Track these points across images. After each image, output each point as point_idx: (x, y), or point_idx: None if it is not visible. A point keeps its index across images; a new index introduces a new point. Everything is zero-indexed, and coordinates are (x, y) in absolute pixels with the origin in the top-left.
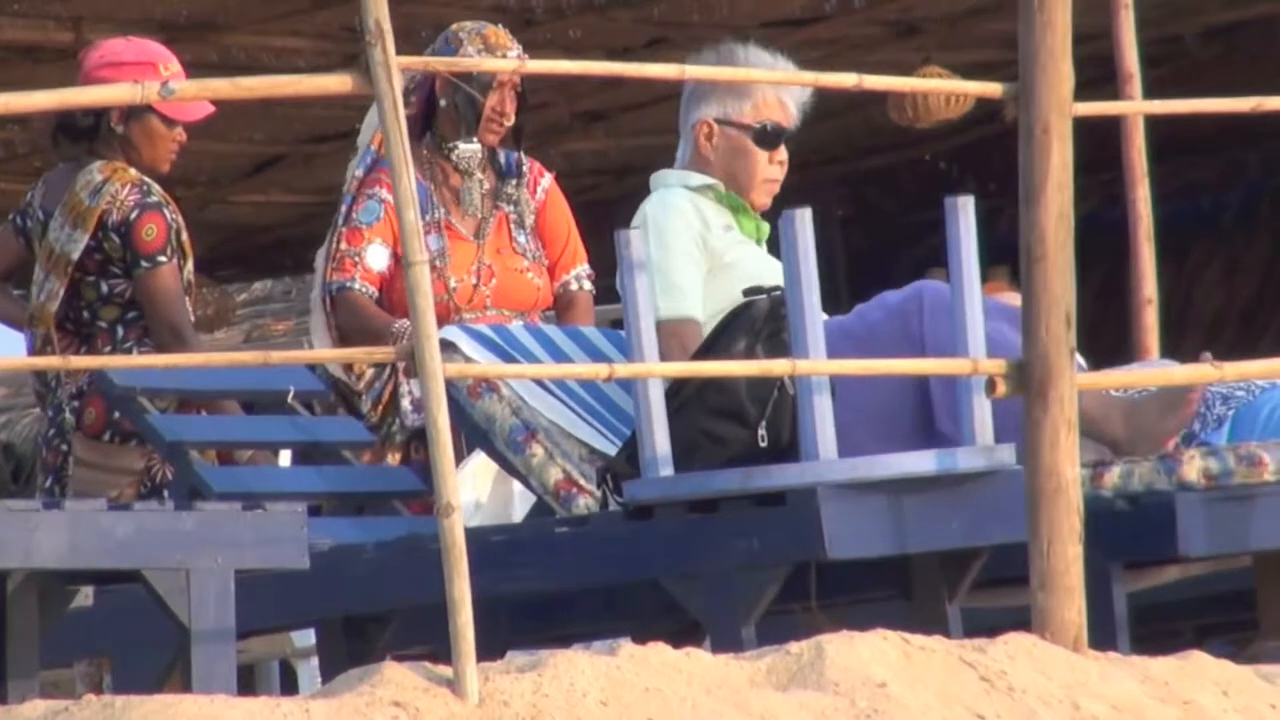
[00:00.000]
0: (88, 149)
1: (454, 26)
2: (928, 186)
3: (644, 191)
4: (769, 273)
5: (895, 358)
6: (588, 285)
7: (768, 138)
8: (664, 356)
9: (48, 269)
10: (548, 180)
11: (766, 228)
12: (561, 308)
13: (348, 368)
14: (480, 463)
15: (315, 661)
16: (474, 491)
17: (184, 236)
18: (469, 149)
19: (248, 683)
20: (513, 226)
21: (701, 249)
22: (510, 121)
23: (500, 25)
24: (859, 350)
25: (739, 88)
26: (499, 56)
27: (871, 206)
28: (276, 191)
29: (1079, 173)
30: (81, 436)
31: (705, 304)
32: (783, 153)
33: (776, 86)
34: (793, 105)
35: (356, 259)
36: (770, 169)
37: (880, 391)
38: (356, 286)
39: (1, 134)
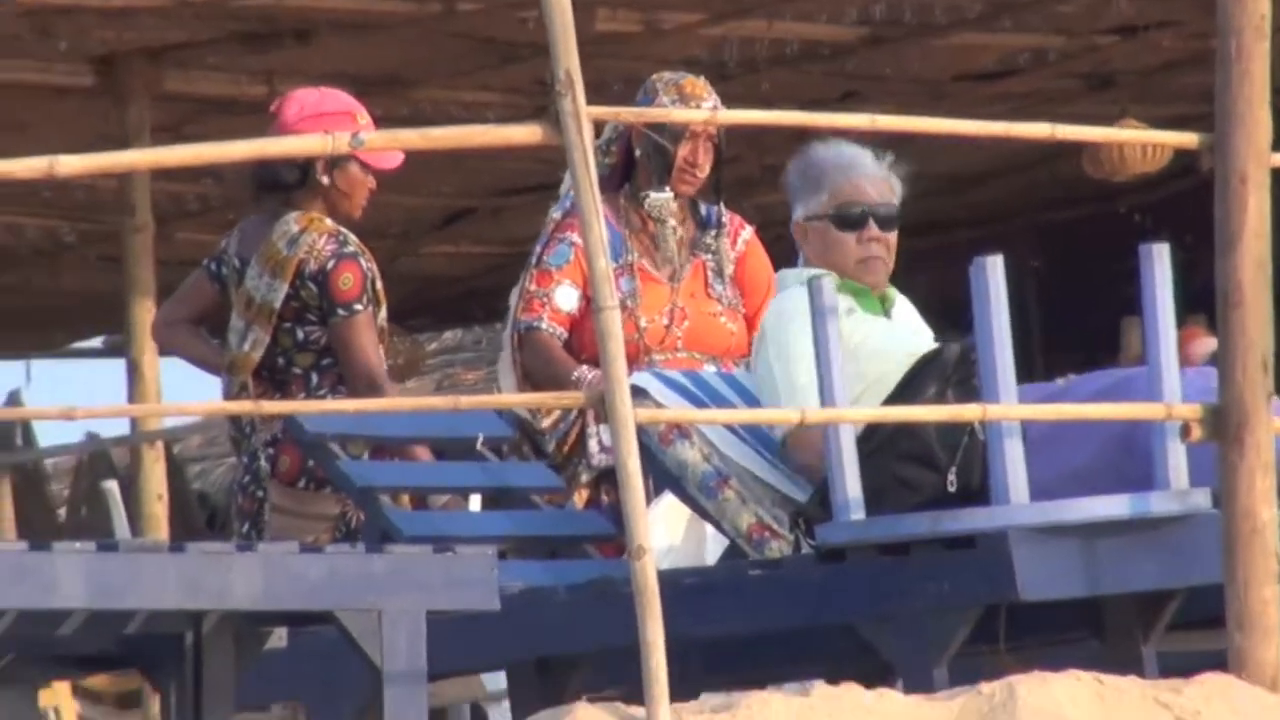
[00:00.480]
0: (284, 200)
1: (654, 77)
2: (1123, 239)
3: None
4: (896, 342)
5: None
6: None
7: (847, 220)
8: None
9: (248, 318)
10: (749, 232)
11: (894, 294)
12: None
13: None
14: (670, 505)
15: (507, 704)
16: (666, 535)
17: (378, 285)
18: (660, 197)
19: None
20: (710, 274)
21: None
22: (704, 173)
23: (700, 76)
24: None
25: (813, 183)
26: (693, 107)
27: (1066, 258)
28: (466, 243)
29: (1277, 225)
30: (277, 483)
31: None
32: (874, 229)
33: (850, 171)
34: (870, 185)
35: (545, 299)
36: (862, 248)
37: (1080, 455)
38: (544, 326)
39: (197, 187)
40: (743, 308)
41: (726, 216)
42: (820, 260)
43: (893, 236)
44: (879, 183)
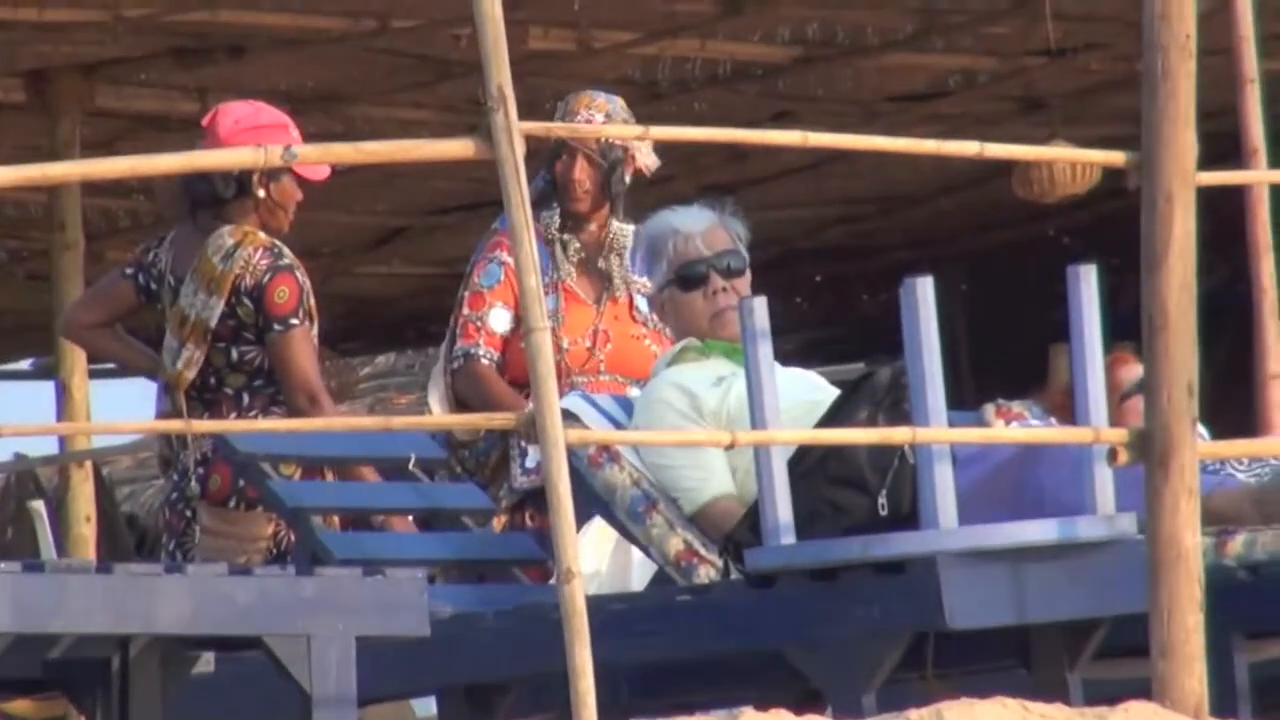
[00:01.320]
0: (215, 214)
1: (571, 95)
2: (1051, 262)
3: (773, 265)
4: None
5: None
6: None
7: (689, 279)
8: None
9: (182, 336)
10: None
11: None
12: None
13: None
14: (599, 530)
15: None
16: (594, 559)
17: (312, 301)
18: (546, 214)
19: None
20: (635, 295)
21: (699, 423)
22: (586, 190)
23: (599, 93)
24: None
25: (654, 255)
26: (579, 120)
27: (995, 281)
28: (399, 263)
29: (1205, 247)
30: (207, 504)
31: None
32: (718, 281)
33: (681, 231)
34: (704, 240)
35: (479, 324)
36: (709, 304)
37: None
38: (480, 353)
39: (128, 203)
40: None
41: (630, 227)
42: (679, 329)
43: (743, 283)
44: (715, 234)
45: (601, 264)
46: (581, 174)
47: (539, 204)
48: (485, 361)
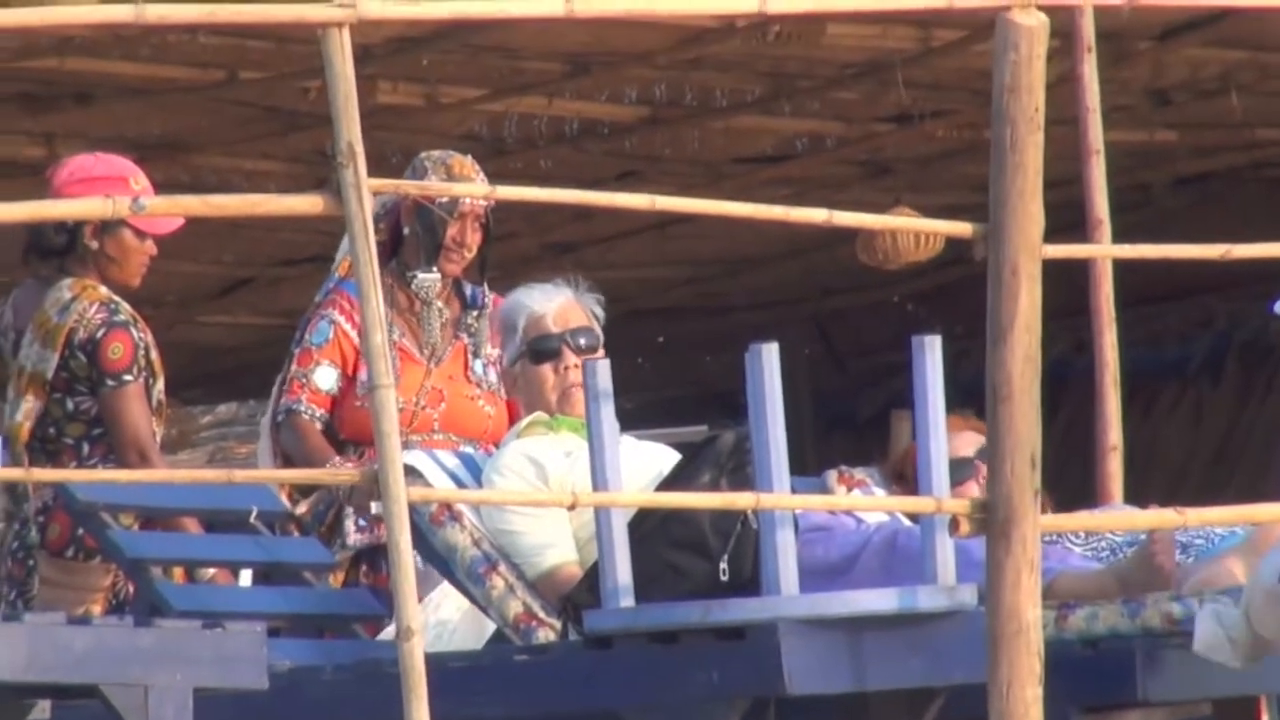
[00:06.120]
0: (58, 266)
1: (422, 155)
2: (895, 328)
3: (616, 324)
4: (638, 464)
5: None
6: None
7: (541, 353)
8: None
9: (20, 387)
10: None
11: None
12: None
13: (289, 493)
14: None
15: None
16: (452, 606)
17: (153, 355)
18: (428, 278)
19: None
20: (470, 356)
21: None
22: (471, 252)
23: (468, 155)
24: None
25: (510, 329)
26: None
27: (838, 347)
28: (244, 313)
29: (1047, 318)
30: (46, 554)
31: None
32: (570, 358)
33: (537, 307)
34: (558, 316)
35: (304, 380)
36: (560, 379)
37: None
38: (303, 409)
39: None
40: (503, 392)
41: (489, 297)
42: (529, 403)
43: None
44: (570, 310)
45: (464, 330)
46: (471, 239)
47: (412, 264)
48: (306, 417)
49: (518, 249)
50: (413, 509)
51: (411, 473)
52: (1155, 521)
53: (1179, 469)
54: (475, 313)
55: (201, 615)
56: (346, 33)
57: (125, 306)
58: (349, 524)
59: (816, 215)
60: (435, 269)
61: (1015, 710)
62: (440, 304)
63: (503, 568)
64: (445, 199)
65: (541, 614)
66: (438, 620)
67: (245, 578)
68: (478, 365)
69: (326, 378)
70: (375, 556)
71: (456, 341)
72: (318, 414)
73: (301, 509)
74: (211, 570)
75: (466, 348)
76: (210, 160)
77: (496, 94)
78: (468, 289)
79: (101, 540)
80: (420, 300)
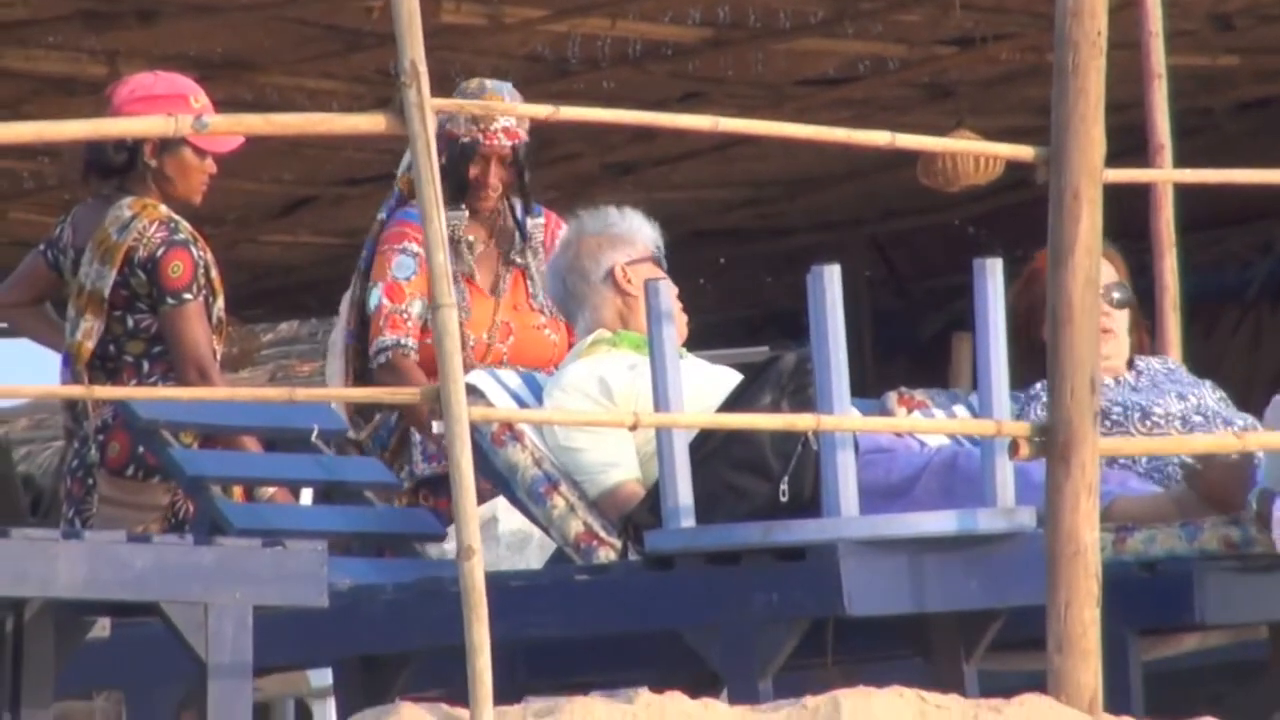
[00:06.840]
0: (118, 185)
1: (465, 83)
2: (955, 251)
3: (677, 246)
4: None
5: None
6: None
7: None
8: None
9: (81, 306)
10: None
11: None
12: None
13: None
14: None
15: (332, 701)
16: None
17: (213, 273)
18: (454, 215)
19: None
20: (529, 283)
21: (610, 407)
22: (497, 191)
23: (506, 82)
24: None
25: (629, 237)
26: (483, 128)
27: (899, 269)
28: (305, 233)
29: (1108, 241)
30: (106, 472)
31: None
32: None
33: (634, 229)
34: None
35: (406, 315)
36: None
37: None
38: (411, 346)
39: (32, 165)
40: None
41: (540, 219)
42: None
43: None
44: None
45: (516, 258)
46: (495, 178)
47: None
48: (415, 356)
49: (579, 169)
50: (474, 428)
51: (473, 392)
52: (1212, 445)
53: (1239, 392)
54: (525, 242)
55: (261, 534)
56: None
57: (185, 225)
58: (415, 453)
59: (879, 138)
60: (463, 206)
61: (1073, 632)
62: (471, 238)
63: (564, 487)
64: (466, 139)
65: (602, 533)
66: (516, 528)
67: (306, 497)
68: (539, 292)
69: (422, 312)
70: (437, 486)
71: (513, 269)
72: (415, 347)
73: (363, 434)
74: (271, 489)
75: (524, 274)
76: (272, 79)
77: (560, 14)
78: (519, 212)
79: (162, 458)
80: (450, 237)
